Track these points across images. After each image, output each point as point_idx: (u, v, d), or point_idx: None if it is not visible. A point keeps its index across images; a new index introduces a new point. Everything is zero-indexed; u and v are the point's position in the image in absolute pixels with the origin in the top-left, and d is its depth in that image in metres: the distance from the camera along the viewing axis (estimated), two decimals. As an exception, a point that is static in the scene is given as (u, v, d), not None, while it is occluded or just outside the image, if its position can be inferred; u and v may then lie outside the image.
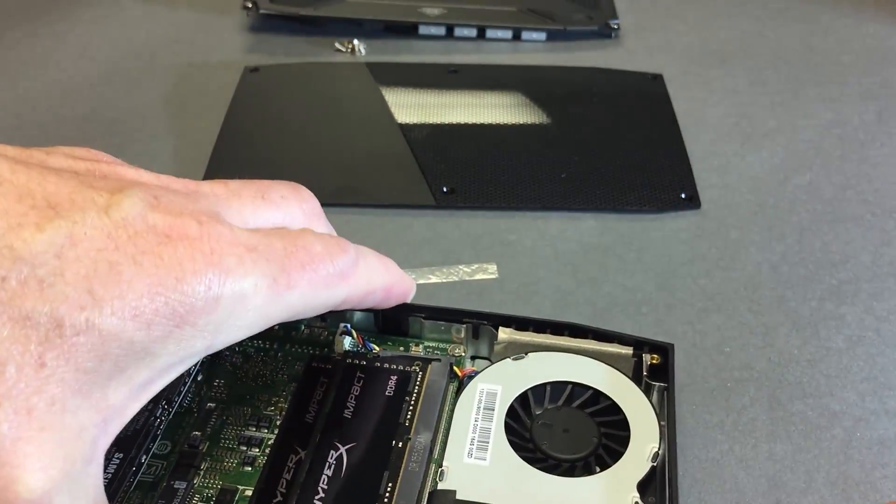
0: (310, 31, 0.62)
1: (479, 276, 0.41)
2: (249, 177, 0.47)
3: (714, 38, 0.61)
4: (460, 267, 0.42)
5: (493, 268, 0.42)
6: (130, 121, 0.52)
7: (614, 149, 0.49)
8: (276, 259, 0.24)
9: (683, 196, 0.46)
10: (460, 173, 0.47)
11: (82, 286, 0.20)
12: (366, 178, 0.47)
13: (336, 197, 0.46)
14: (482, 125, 0.51)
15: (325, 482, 0.28)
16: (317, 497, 0.27)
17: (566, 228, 0.44)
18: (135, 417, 0.28)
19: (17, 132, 0.51)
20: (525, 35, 0.60)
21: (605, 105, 0.53)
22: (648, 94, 0.54)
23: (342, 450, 0.29)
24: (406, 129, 0.50)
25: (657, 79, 0.56)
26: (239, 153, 0.49)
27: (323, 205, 0.45)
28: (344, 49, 0.59)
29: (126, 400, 0.22)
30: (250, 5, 0.60)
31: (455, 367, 0.32)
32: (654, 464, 0.28)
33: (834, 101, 0.54)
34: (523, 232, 0.44)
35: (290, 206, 0.27)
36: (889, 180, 0.47)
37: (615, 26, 0.60)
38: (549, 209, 0.45)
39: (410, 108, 0.52)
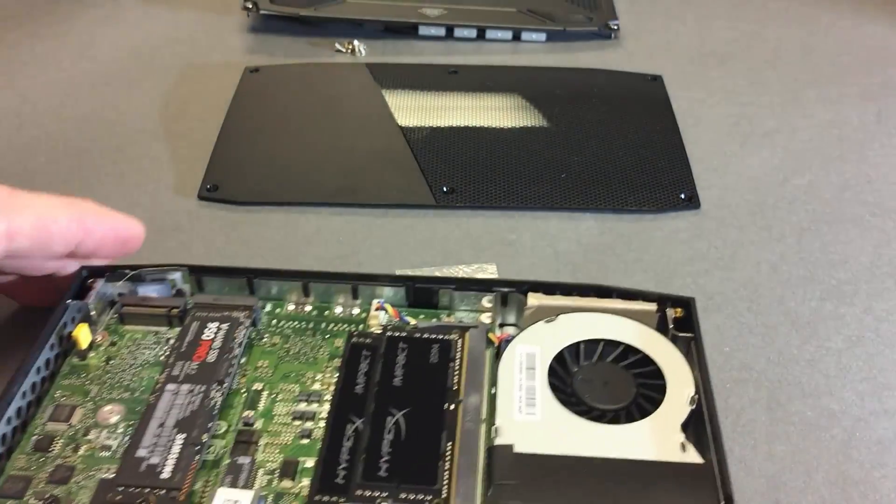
0: (310, 31, 0.62)
1: (479, 276, 0.41)
2: (250, 177, 0.47)
3: (713, 38, 0.61)
4: (460, 267, 0.42)
5: (492, 268, 0.42)
6: (130, 121, 0.52)
7: (614, 149, 0.49)
8: None
9: (683, 196, 0.46)
10: (460, 173, 0.47)
11: None
12: (366, 178, 0.47)
13: (336, 197, 0.46)
14: (482, 125, 0.51)
15: (387, 446, 0.29)
16: (382, 460, 0.29)
17: (566, 228, 0.44)
18: (192, 399, 0.31)
19: (17, 132, 0.51)
20: (525, 36, 0.60)
21: (604, 106, 0.53)
22: (648, 94, 0.55)
23: (398, 415, 0.30)
24: (406, 129, 0.50)
25: (657, 79, 0.56)
26: (239, 153, 0.49)
27: (323, 205, 0.46)
28: (344, 50, 0.60)
29: None
30: (251, 6, 0.60)
31: (490, 334, 0.34)
32: (693, 407, 0.30)
33: (833, 101, 0.54)
34: (523, 232, 0.44)
35: None
36: (888, 181, 0.47)
37: (615, 27, 0.60)
38: (549, 209, 0.45)
39: (410, 108, 0.52)
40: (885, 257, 0.42)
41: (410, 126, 0.51)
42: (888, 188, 0.47)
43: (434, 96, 0.54)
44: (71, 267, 0.35)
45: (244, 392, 0.33)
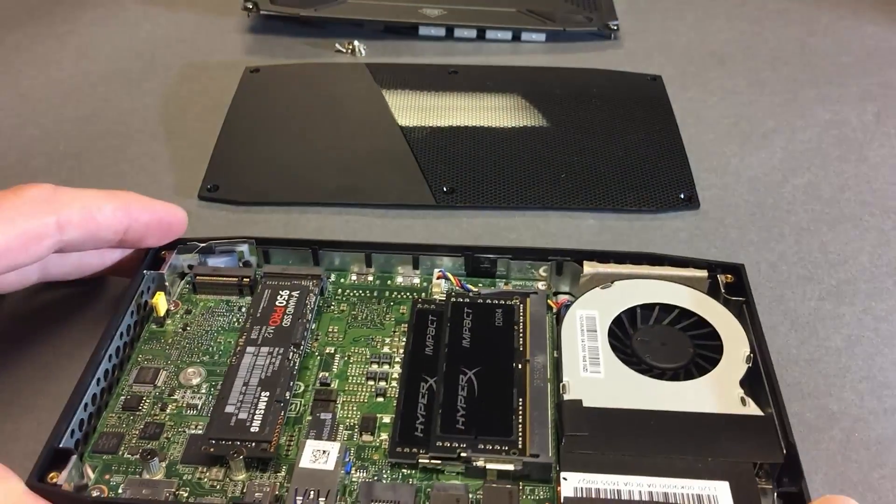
0: (310, 32, 0.62)
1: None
2: (250, 177, 0.47)
3: (713, 39, 0.61)
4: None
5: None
6: (131, 121, 0.52)
7: (614, 149, 0.49)
8: None
9: (682, 196, 0.46)
10: (460, 173, 0.47)
11: None
12: (366, 178, 0.47)
13: (336, 197, 0.46)
14: (482, 125, 0.51)
15: (462, 402, 0.31)
16: (458, 415, 0.31)
17: (566, 228, 0.44)
18: (272, 360, 0.33)
19: (18, 132, 0.51)
20: (525, 36, 0.60)
21: (604, 106, 0.53)
22: (648, 94, 0.55)
23: (469, 374, 0.32)
24: (406, 129, 0.51)
25: (656, 80, 0.56)
26: (239, 153, 0.49)
27: (323, 205, 0.46)
28: (344, 50, 0.60)
29: None
30: (251, 6, 0.60)
31: (549, 300, 0.36)
32: (749, 365, 0.32)
33: (832, 101, 0.54)
34: (523, 232, 0.44)
35: None
36: (887, 181, 0.47)
37: (615, 27, 0.60)
38: (548, 209, 0.45)
39: (410, 108, 0.52)
40: (885, 257, 0.42)
41: (410, 126, 0.51)
42: (887, 188, 0.47)
43: (434, 96, 0.54)
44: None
45: (318, 355, 0.35)
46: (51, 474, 0.28)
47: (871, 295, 0.40)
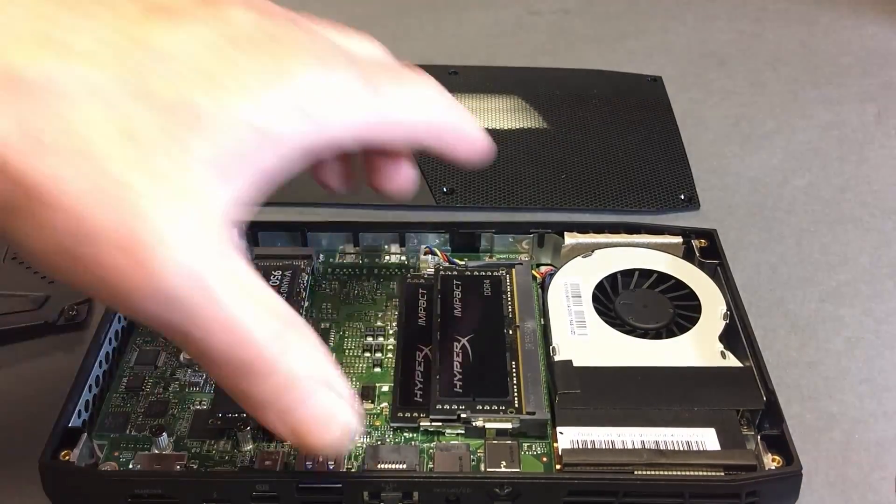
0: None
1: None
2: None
3: (713, 39, 0.61)
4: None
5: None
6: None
7: (614, 150, 0.49)
8: (368, 69, 0.25)
9: (682, 197, 0.46)
10: (460, 173, 0.47)
11: (207, 75, 0.21)
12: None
13: (336, 197, 0.46)
14: (482, 126, 0.51)
15: (457, 367, 0.32)
16: (455, 379, 0.32)
17: (566, 229, 0.44)
18: None
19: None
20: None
21: (604, 106, 0.53)
22: (648, 95, 0.54)
23: (463, 341, 0.34)
24: (406, 129, 0.50)
25: (657, 80, 0.56)
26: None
27: (322, 205, 0.46)
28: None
29: (250, 190, 0.23)
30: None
31: (533, 271, 0.38)
32: (727, 322, 0.34)
33: (833, 102, 0.54)
34: (523, 233, 0.44)
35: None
36: (888, 182, 0.47)
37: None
38: (548, 210, 0.45)
39: (410, 108, 0.52)
40: (885, 258, 0.42)
41: (410, 126, 0.51)
42: (887, 189, 0.47)
43: (434, 97, 0.54)
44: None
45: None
46: (63, 452, 0.29)
47: (871, 296, 0.40)
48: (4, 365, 0.36)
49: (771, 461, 0.30)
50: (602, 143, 0.50)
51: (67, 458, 0.29)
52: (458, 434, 0.31)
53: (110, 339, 0.34)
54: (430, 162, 0.48)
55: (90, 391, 0.32)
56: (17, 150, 0.19)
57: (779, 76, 0.57)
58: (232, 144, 0.21)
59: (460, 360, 0.33)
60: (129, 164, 0.20)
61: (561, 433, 0.30)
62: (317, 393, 0.24)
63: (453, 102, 0.29)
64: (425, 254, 0.39)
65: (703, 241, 0.38)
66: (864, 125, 0.52)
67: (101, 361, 0.33)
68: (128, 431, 0.32)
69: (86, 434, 0.30)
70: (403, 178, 0.30)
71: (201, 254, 0.21)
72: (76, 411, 0.31)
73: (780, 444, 0.30)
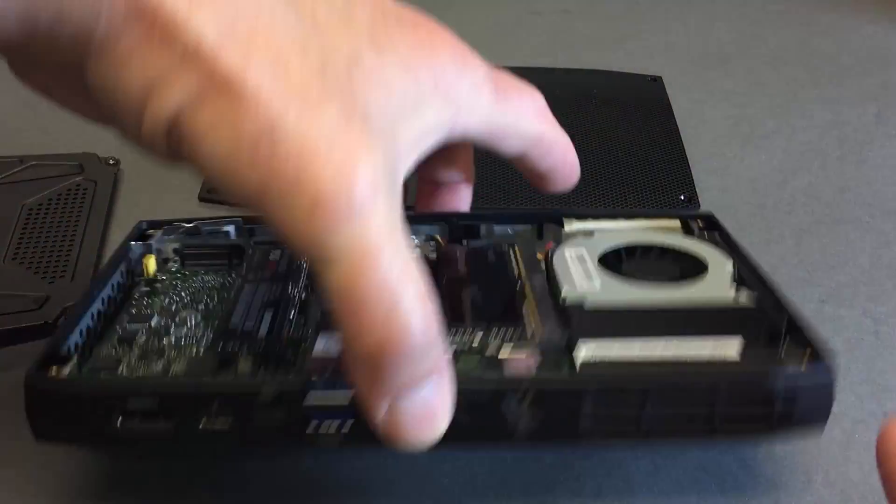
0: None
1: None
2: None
3: (713, 40, 0.61)
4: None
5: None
6: (130, 121, 0.52)
7: (613, 150, 0.49)
8: (496, 74, 0.29)
9: (682, 198, 0.46)
10: (460, 174, 0.47)
11: (370, 34, 0.23)
12: (366, 179, 0.47)
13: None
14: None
15: (470, 305, 0.32)
16: (468, 315, 0.32)
17: (566, 230, 0.44)
18: (272, 290, 0.33)
19: (18, 133, 0.51)
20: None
21: (604, 107, 0.53)
22: (648, 95, 0.55)
23: (475, 294, 0.33)
24: (406, 130, 0.50)
25: (657, 80, 0.56)
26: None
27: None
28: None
29: (411, 144, 0.24)
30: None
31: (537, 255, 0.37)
32: (736, 277, 0.34)
33: (833, 102, 0.54)
34: (523, 233, 0.44)
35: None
36: (888, 182, 0.47)
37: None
38: (548, 209, 0.45)
39: (410, 109, 0.52)
40: (885, 259, 0.42)
41: (410, 127, 0.51)
42: (888, 189, 0.47)
43: (434, 97, 0.54)
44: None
45: (315, 302, 0.33)
46: (51, 368, 0.28)
47: (871, 297, 0.40)
48: (4, 365, 0.36)
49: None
50: (602, 143, 0.50)
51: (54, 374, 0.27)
52: (474, 367, 0.30)
53: (103, 299, 0.32)
54: (430, 162, 0.48)
55: (92, 319, 0.31)
56: (228, 49, 0.21)
57: (779, 76, 0.57)
58: (394, 102, 0.23)
59: (471, 302, 0.33)
60: (323, 92, 0.21)
61: (580, 347, 0.29)
62: (447, 384, 0.24)
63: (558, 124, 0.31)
64: (426, 240, 0.38)
65: (700, 221, 0.38)
66: (864, 125, 0.52)
67: (93, 314, 0.31)
68: (119, 371, 0.29)
69: (76, 357, 0.28)
70: (458, 204, 0.33)
71: (376, 178, 0.21)
72: (69, 338, 0.29)
73: (804, 344, 0.29)
